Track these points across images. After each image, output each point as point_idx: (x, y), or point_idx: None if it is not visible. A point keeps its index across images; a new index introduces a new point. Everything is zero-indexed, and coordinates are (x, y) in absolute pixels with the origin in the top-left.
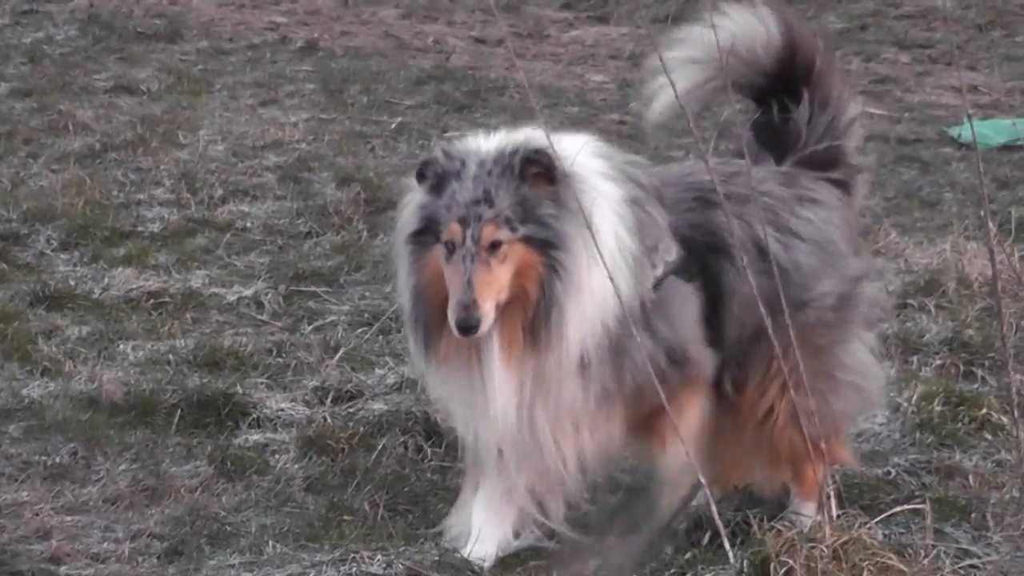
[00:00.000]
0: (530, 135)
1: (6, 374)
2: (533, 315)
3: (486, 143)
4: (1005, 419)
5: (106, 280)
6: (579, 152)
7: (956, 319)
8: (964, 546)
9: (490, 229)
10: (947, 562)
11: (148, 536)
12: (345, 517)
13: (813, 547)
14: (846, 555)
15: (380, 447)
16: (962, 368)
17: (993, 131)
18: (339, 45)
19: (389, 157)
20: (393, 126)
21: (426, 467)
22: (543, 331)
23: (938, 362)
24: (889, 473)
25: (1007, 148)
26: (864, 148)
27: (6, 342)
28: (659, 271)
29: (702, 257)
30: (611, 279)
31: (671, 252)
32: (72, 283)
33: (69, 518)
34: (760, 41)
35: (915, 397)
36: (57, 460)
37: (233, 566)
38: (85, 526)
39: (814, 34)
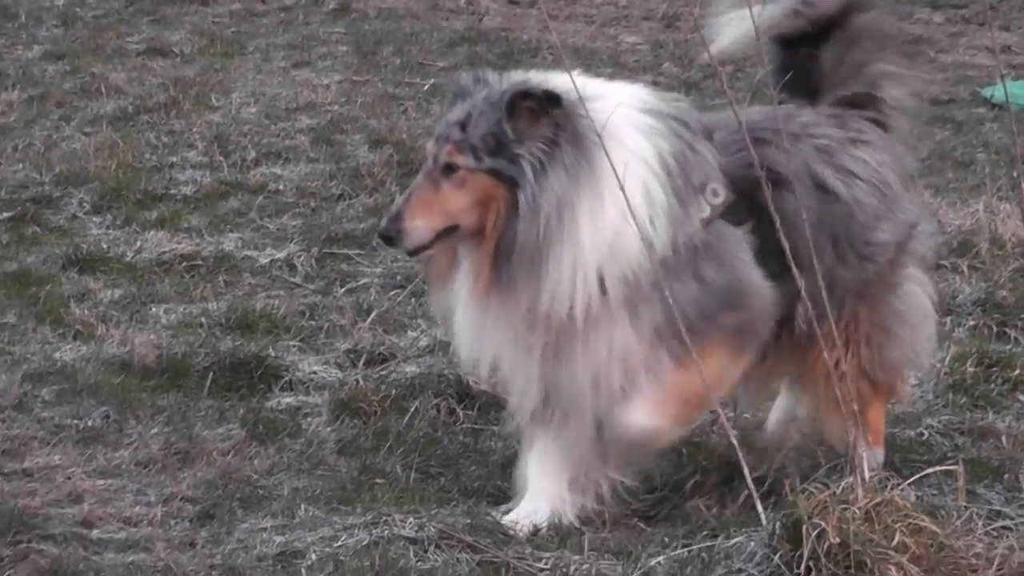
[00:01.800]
0: (557, 78)
1: (39, 337)
2: (495, 254)
3: (516, 76)
4: None
5: (138, 243)
6: (615, 106)
7: (989, 280)
8: (997, 507)
9: (448, 150)
10: (979, 523)
11: (180, 499)
12: (377, 480)
13: (845, 509)
14: (878, 516)
15: (412, 410)
16: (995, 329)
17: None
18: (372, 7)
19: (422, 119)
20: (426, 88)
21: (458, 430)
22: (504, 272)
23: (971, 323)
24: (922, 435)
25: None
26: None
27: (39, 305)
28: (706, 213)
29: (755, 195)
30: (619, 232)
31: (720, 195)
32: (104, 246)
33: (101, 482)
34: None
35: (948, 358)
36: (89, 424)
37: (265, 529)
38: (117, 490)
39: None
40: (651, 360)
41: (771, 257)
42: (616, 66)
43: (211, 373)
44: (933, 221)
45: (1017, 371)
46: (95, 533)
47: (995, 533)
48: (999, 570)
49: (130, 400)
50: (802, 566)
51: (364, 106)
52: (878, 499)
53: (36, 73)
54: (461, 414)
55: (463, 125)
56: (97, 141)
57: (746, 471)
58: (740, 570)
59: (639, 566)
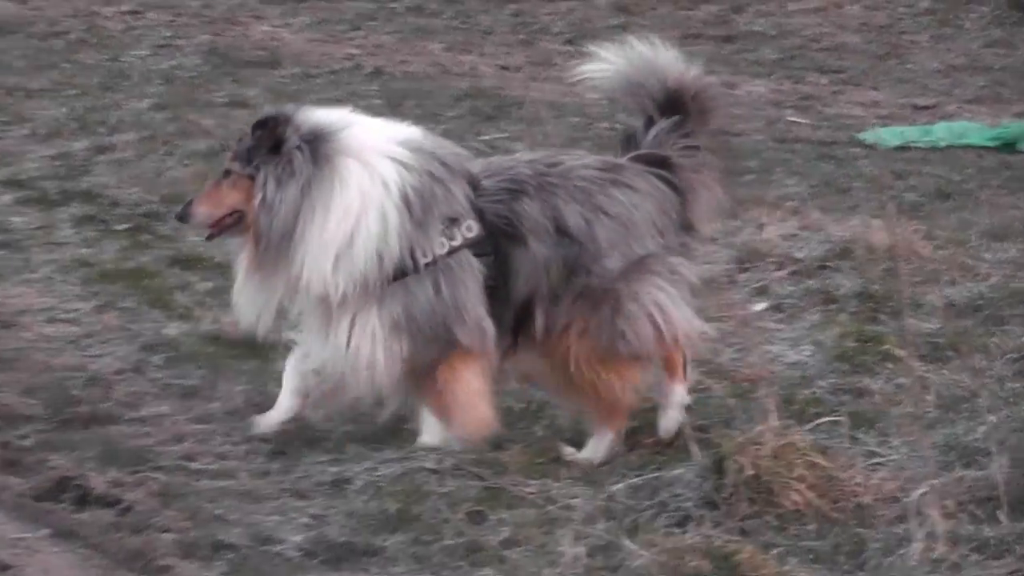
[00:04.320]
0: (324, 112)
1: (151, 317)
2: (254, 239)
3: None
4: (902, 352)
5: (224, 247)
6: (376, 131)
7: (864, 277)
8: (872, 448)
9: (229, 156)
10: (859, 461)
11: (259, 440)
12: (405, 426)
13: (758, 448)
14: (783, 455)
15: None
16: (869, 314)
17: (890, 136)
18: (398, 70)
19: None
20: (438, 132)
21: None
22: (260, 254)
23: (851, 309)
24: (815, 393)
25: (900, 148)
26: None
27: (150, 293)
28: (457, 242)
29: (498, 240)
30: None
31: (473, 230)
32: (200, 249)
33: (198, 426)
34: (659, 73)
35: (834, 336)
36: (189, 383)
37: (322, 462)
38: (211, 433)
39: (702, 83)
40: (391, 346)
41: (503, 280)
42: (582, 116)
43: (279, 346)
44: (693, 256)
45: (886, 346)
46: (194, 465)
47: (871, 468)
48: (875, 496)
49: (220, 365)
50: (726, 491)
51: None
52: (783, 442)
53: (146, 120)
54: None
55: (240, 140)
56: (192, 171)
57: (684, 422)
58: (679, 494)
59: (604, 491)
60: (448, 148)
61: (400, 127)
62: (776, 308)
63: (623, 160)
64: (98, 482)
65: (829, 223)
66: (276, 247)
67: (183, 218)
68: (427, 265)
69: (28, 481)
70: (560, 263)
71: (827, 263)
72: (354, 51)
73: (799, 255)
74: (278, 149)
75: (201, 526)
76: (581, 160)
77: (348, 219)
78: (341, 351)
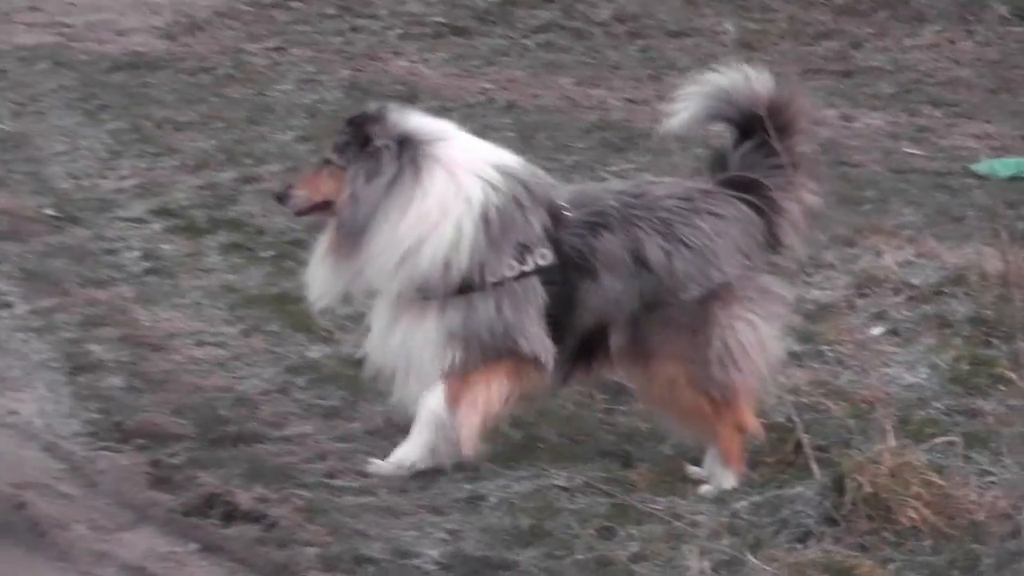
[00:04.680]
0: (398, 111)
1: (295, 341)
2: (336, 227)
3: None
4: (1014, 375)
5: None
6: (472, 149)
7: (978, 303)
8: (985, 467)
9: (328, 147)
10: (973, 479)
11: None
12: (539, 445)
13: (876, 467)
14: (900, 473)
15: (563, 394)
16: (983, 338)
17: (1003, 167)
18: (530, 104)
19: (564, 184)
20: (569, 163)
21: (595, 408)
22: (339, 242)
23: (965, 334)
24: (930, 414)
25: (1013, 179)
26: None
27: (294, 318)
28: (527, 268)
29: (569, 272)
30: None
31: (546, 259)
32: None
33: (340, 445)
34: (749, 95)
35: (949, 359)
36: (331, 403)
37: (457, 480)
38: (352, 451)
39: (794, 104)
40: (442, 354)
41: (567, 310)
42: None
43: None
44: (783, 281)
45: (999, 368)
46: (336, 482)
47: (985, 486)
48: (988, 512)
49: (360, 386)
50: (845, 509)
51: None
52: (900, 461)
53: (290, 151)
54: (598, 397)
55: (340, 133)
56: None
57: (805, 441)
58: (800, 511)
59: (728, 508)
60: (539, 178)
61: (498, 151)
62: (893, 332)
63: (710, 186)
64: (244, 498)
65: (944, 251)
66: (352, 237)
67: (282, 199)
68: (493, 285)
69: (178, 498)
70: (636, 294)
71: (942, 289)
72: (488, 85)
73: (915, 281)
74: (367, 145)
75: (343, 540)
76: (668, 189)
77: (423, 224)
78: (394, 349)
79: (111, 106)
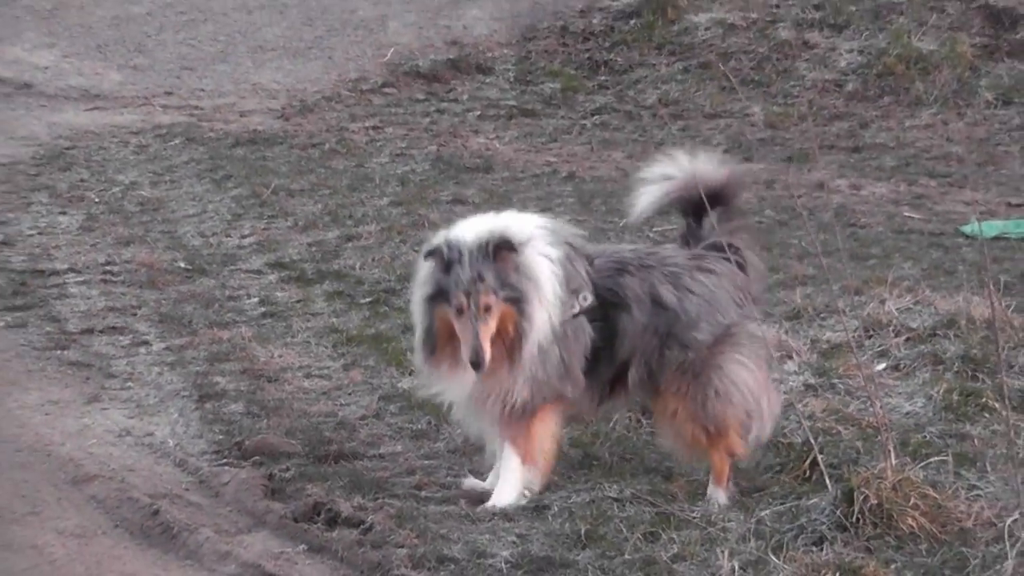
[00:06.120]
0: (495, 224)
1: (388, 374)
2: (511, 344)
3: (470, 233)
4: (997, 405)
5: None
6: (532, 231)
7: (967, 343)
8: (973, 482)
9: (485, 299)
10: (963, 492)
11: (478, 474)
12: (594, 462)
13: (880, 482)
14: (901, 487)
15: (614, 419)
16: (971, 373)
17: (988, 228)
18: (588, 175)
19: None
20: (622, 224)
21: (642, 432)
22: (517, 353)
23: (956, 369)
24: (926, 437)
25: (997, 239)
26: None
27: (388, 355)
28: (576, 309)
29: (607, 308)
30: (549, 316)
31: (588, 299)
32: None
33: (426, 462)
34: (709, 178)
35: (941, 391)
36: (419, 426)
37: (526, 495)
38: (437, 467)
39: (739, 182)
40: (520, 396)
41: (609, 342)
42: None
43: None
44: (762, 324)
45: (984, 399)
46: (423, 493)
47: (972, 498)
48: (975, 521)
49: (442, 412)
50: (854, 517)
51: (584, 238)
52: (900, 476)
53: (385, 214)
54: (644, 422)
55: (481, 279)
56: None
57: (820, 458)
58: (815, 519)
59: (754, 516)
60: (571, 230)
61: (540, 221)
62: (895, 367)
63: (700, 250)
64: (345, 507)
65: (938, 299)
66: (525, 343)
67: (478, 365)
68: (559, 330)
69: (288, 506)
70: (655, 329)
71: (936, 332)
72: (552, 159)
73: (913, 325)
74: (515, 264)
75: (428, 543)
76: (672, 251)
77: (545, 308)
78: (474, 391)
79: (234, 176)
